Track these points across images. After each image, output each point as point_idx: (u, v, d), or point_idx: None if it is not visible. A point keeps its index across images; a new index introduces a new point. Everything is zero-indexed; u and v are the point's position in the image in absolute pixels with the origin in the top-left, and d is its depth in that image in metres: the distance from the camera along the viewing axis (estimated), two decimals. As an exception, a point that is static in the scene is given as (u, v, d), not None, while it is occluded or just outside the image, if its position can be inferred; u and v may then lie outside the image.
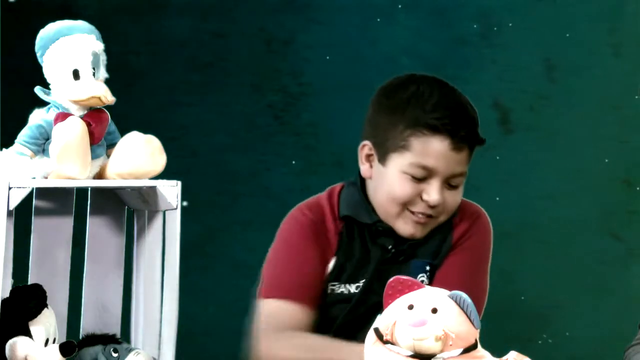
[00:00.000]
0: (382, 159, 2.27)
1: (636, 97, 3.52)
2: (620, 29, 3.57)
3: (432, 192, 2.24)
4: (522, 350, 1.83)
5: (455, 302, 1.81)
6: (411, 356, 1.79)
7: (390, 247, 2.30)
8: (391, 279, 1.87)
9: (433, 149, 2.23)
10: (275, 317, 2.27)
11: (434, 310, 1.80)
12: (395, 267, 2.28)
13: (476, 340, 1.82)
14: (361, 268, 2.31)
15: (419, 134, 2.23)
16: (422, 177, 2.24)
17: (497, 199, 3.55)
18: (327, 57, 3.61)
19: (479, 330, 1.82)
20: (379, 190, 2.29)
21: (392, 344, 1.81)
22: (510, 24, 3.58)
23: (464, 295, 1.82)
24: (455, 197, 2.28)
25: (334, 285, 2.31)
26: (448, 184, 2.26)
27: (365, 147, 2.30)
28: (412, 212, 2.26)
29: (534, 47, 3.57)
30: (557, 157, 3.59)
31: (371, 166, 2.30)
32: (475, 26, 3.59)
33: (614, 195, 3.57)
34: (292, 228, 2.33)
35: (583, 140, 3.58)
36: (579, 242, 3.59)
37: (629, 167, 3.58)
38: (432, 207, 2.26)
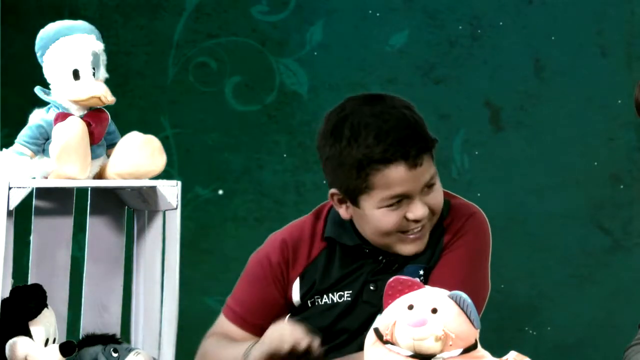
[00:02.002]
0: (354, 203, 2.23)
1: (619, 101, 3.55)
2: (607, 30, 3.58)
3: (415, 210, 2.21)
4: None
5: (455, 302, 1.81)
6: (411, 356, 1.79)
7: (381, 257, 2.28)
8: (391, 279, 1.87)
9: (394, 178, 2.17)
10: (220, 330, 2.35)
11: (434, 310, 1.80)
12: (388, 275, 2.21)
13: (476, 340, 1.82)
14: (345, 279, 2.29)
15: (373, 171, 2.17)
16: (398, 202, 2.20)
17: (487, 194, 3.57)
18: (320, 57, 3.61)
19: (479, 330, 1.82)
20: (365, 228, 2.25)
21: (392, 344, 1.81)
22: (500, 26, 3.59)
23: (464, 296, 1.81)
24: (436, 195, 2.25)
25: (316, 297, 2.30)
26: (425, 187, 2.23)
27: (335, 195, 2.25)
28: (406, 232, 2.24)
29: (523, 47, 3.59)
30: (546, 154, 3.60)
31: (347, 207, 2.26)
32: (466, 27, 3.60)
33: (601, 190, 3.59)
34: (254, 268, 2.34)
35: (571, 138, 3.60)
36: (566, 234, 3.60)
37: (616, 164, 3.60)
38: (419, 220, 2.23)
